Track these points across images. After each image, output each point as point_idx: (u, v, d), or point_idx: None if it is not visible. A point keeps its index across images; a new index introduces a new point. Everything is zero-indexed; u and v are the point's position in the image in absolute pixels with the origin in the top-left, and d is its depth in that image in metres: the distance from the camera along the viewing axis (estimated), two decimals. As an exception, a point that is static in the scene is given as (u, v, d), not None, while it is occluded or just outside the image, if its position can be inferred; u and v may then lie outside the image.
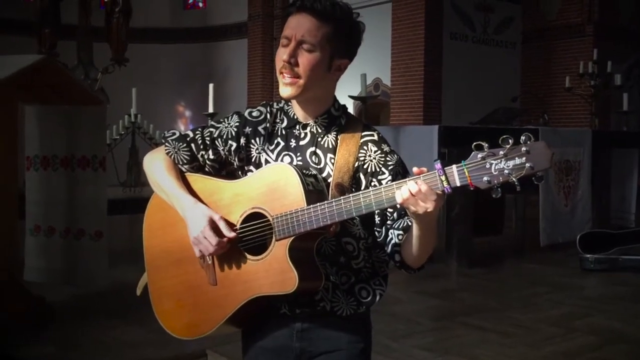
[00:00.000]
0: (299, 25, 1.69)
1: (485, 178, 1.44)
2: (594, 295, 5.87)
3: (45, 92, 4.84)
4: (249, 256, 1.70)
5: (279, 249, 1.65)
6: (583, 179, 7.59)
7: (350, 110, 1.85)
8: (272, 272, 1.65)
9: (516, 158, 1.42)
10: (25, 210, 4.91)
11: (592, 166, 7.71)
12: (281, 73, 1.70)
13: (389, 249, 1.72)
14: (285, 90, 1.71)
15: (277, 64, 1.72)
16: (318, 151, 1.76)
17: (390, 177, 1.71)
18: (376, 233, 1.75)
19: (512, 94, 10.57)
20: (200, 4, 17.91)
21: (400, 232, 1.69)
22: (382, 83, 13.32)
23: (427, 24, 11.71)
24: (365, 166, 1.73)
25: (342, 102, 1.84)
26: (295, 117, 1.79)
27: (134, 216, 9.12)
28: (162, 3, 17.34)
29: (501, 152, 1.44)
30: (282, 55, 1.70)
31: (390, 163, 1.73)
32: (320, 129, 1.77)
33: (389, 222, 1.72)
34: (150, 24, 16.25)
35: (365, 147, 1.74)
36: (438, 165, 1.48)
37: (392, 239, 1.70)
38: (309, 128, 1.78)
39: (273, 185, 1.67)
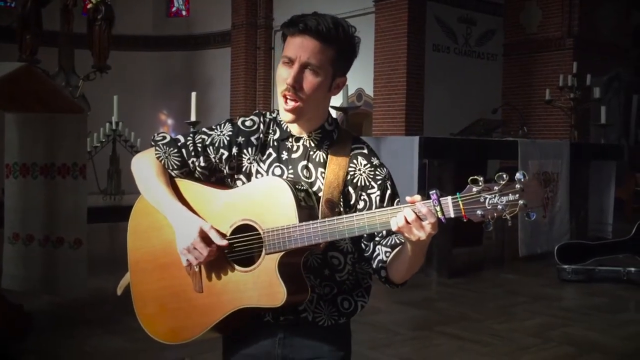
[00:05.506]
0: (302, 47, 1.66)
1: (479, 212, 1.49)
2: (571, 305, 5.94)
3: (26, 100, 4.81)
4: (237, 267, 1.70)
5: (268, 263, 1.64)
6: (561, 191, 7.67)
7: (333, 119, 1.85)
8: (261, 284, 1.65)
9: (510, 195, 1.47)
10: (4, 218, 4.87)
11: (571, 178, 7.80)
12: (284, 96, 1.69)
13: (374, 264, 1.73)
14: (287, 116, 1.71)
15: (279, 83, 1.70)
16: (310, 165, 1.76)
17: (378, 192, 1.74)
18: (363, 246, 1.76)
19: (493, 105, 10.66)
20: (184, 12, 17.89)
21: (388, 249, 1.71)
22: (364, 93, 13.37)
23: (409, 35, 11.81)
24: (355, 180, 1.75)
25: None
26: (289, 130, 1.79)
27: (114, 224, 9.09)
28: (145, 11, 17.29)
29: (496, 188, 1.48)
30: (284, 75, 1.68)
31: (379, 177, 1.76)
32: (313, 143, 1.77)
33: (377, 237, 1.73)
34: (133, 31, 16.19)
35: (355, 160, 1.76)
36: (434, 195, 1.51)
37: (379, 254, 1.72)
38: (301, 142, 1.77)
39: (265, 198, 1.67)
